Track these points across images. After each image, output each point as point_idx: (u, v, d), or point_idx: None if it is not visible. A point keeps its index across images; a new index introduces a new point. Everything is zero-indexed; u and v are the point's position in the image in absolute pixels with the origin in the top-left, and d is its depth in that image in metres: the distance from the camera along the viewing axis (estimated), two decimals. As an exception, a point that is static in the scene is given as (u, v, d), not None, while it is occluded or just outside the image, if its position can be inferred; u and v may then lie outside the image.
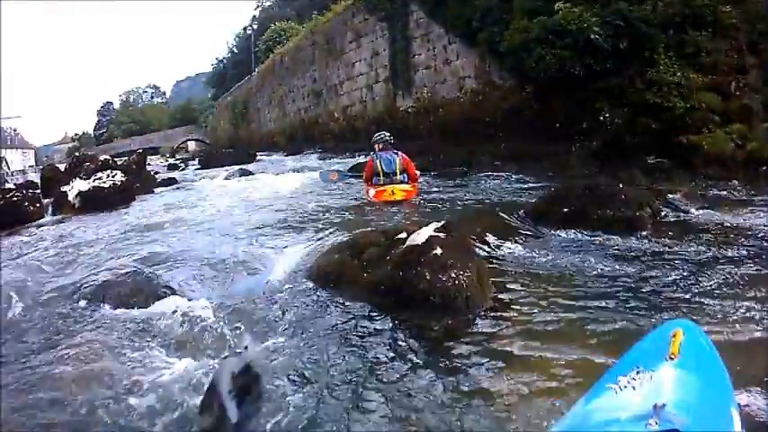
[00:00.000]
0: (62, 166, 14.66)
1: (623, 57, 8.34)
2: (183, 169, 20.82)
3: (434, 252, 3.08)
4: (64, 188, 11.39)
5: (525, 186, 8.08)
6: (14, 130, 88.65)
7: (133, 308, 3.35)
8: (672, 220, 5.27)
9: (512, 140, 10.92)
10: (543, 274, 3.64)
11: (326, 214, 6.66)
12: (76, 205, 10.71)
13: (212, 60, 60.51)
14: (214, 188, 11.71)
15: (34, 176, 26.56)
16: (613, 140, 8.66)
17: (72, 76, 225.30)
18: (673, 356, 1.23)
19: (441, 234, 3.30)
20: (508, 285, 3.40)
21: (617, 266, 3.76)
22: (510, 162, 10.21)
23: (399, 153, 7.69)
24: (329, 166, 14.28)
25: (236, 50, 51.97)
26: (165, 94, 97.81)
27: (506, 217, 5.38)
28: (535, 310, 2.95)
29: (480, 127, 12.08)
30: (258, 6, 52.73)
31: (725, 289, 3.21)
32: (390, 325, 2.84)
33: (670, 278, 3.45)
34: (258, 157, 21.44)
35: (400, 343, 2.64)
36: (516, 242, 4.57)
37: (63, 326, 3.20)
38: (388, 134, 7.92)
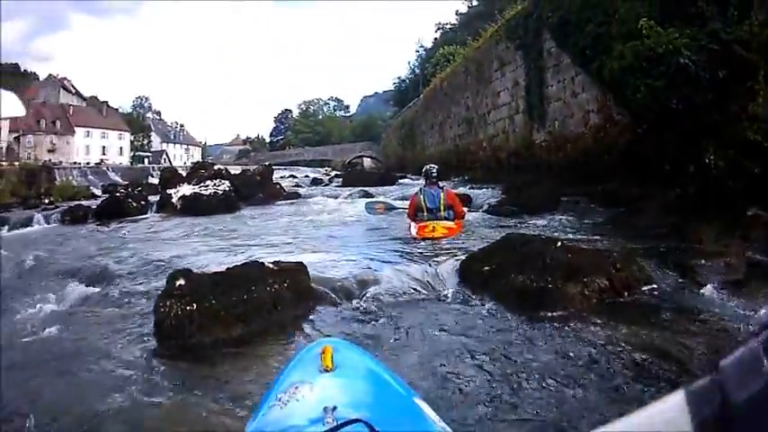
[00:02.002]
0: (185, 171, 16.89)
1: (724, 87, 7.44)
2: (326, 184, 22.47)
3: (178, 283, 3.89)
4: (170, 190, 13.27)
5: (563, 235, 7.56)
6: (181, 126, 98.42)
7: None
8: (639, 299, 4.12)
9: (621, 182, 10.26)
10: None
11: (342, 242, 7.54)
12: (177, 207, 12.43)
13: (394, 79, 63.05)
14: (319, 206, 13.11)
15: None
16: (713, 186, 7.78)
17: (255, 81, 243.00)
18: (327, 369, 1.28)
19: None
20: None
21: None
22: (603, 206, 9.60)
23: (444, 188, 7.90)
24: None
25: (416, 71, 53.81)
26: (348, 107, 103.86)
27: (438, 269, 5.00)
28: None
29: (599, 165, 11.51)
30: (439, 29, 54.33)
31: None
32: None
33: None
34: (400, 181, 22.19)
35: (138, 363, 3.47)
36: (387, 294, 4.39)
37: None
38: (435, 168, 8.16)
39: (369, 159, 59.23)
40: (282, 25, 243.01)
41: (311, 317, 4.02)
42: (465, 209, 8.26)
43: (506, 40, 17.42)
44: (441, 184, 8.05)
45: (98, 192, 21.55)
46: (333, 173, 33.20)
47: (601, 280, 4.12)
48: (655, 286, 4.37)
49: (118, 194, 13.88)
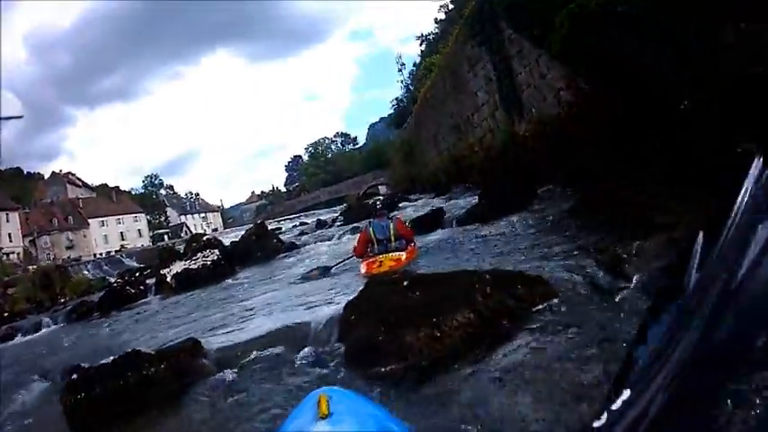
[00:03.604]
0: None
1: (683, 23, 6.45)
2: (330, 226, 21.65)
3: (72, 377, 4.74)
4: (163, 270, 12.93)
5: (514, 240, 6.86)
6: (196, 195, 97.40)
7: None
8: (524, 325, 3.40)
9: (600, 157, 9.33)
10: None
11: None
12: (173, 285, 12.58)
13: (392, 101, 61.46)
14: (306, 255, 13.07)
15: (222, 238, 30.10)
16: (697, 138, 6.81)
17: (260, 136, 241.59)
18: (324, 416, 1.32)
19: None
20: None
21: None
22: (579, 189, 8.73)
23: (394, 218, 7.65)
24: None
25: (411, 88, 52.43)
26: (355, 139, 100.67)
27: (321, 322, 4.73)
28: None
29: (577, 144, 10.60)
30: (422, 42, 53.01)
31: None
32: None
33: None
34: (399, 205, 21.34)
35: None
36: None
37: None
38: (379, 201, 7.92)
39: (382, 187, 58.55)
40: (278, 74, 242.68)
41: (184, 392, 4.24)
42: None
43: (470, 39, 16.66)
44: (390, 214, 8.09)
45: (117, 279, 21.59)
46: (333, 213, 32.37)
47: (463, 314, 3.47)
48: (555, 301, 3.66)
49: (115, 285, 14.82)
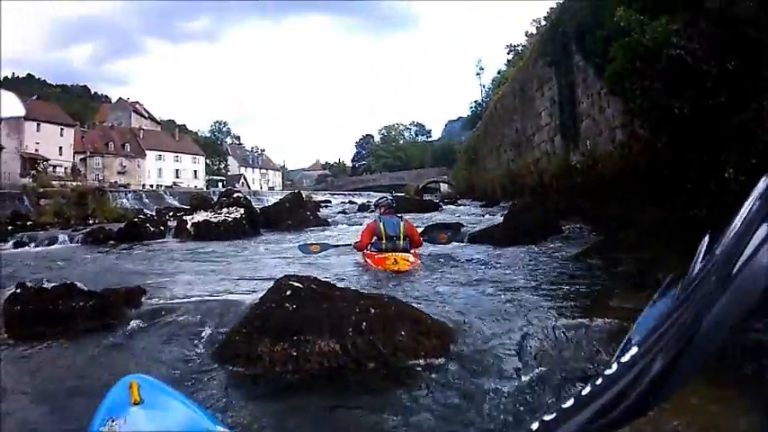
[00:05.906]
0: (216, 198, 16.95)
1: (739, 82, 5.55)
2: (372, 210, 21.26)
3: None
4: (186, 217, 12.98)
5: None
6: (261, 150, 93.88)
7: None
8: (386, 374, 3.00)
9: (638, 204, 8.44)
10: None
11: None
12: (191, 233, 12.67)
13: (471, 103, 60.08)
14: (330, 234, 13.02)
15: (271, 198, 29.63)
16: (730, 205, 5.89)
17: (339, 106, 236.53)
18: (136, 402, 1.32)
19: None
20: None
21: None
22: (604, 232, 7.91)
23: (404, 218, 7.30)
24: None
25: (490, 94, 50.87)
26: (429, 132, 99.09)
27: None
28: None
29: (623, 186, 9.66)
30: (510, 51, 51.02)
31: None
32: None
33: None
34: (444, 207, 20.77)
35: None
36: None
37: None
38: (391, 197, 7.97)
39: (445, 185, 57.68)
40: (366, 52, 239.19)
41: (99, 331, 4.31)
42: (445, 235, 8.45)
43: (541, 57, 15.67)
44: (399, 214, 7.49)
45: (153, 213, 21.65)
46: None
47: (328, 342, 3.07)
48: (438, 362, 3.04)
49: (136, 220, 14.55)
